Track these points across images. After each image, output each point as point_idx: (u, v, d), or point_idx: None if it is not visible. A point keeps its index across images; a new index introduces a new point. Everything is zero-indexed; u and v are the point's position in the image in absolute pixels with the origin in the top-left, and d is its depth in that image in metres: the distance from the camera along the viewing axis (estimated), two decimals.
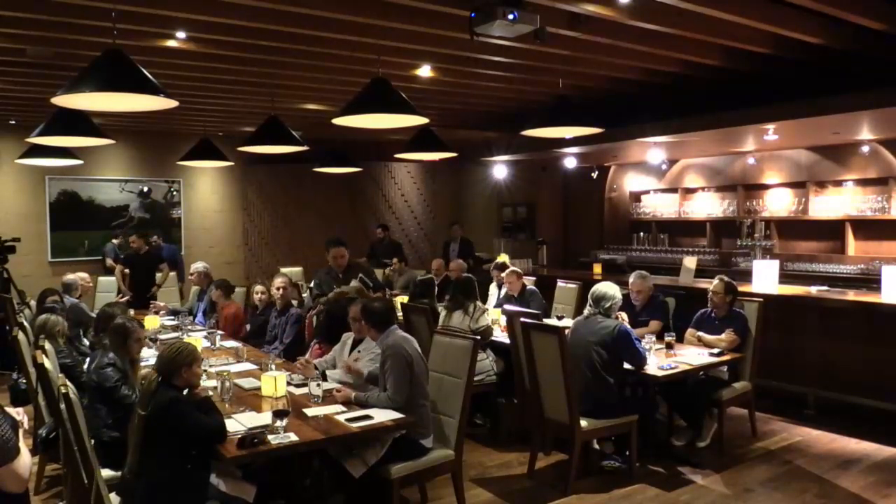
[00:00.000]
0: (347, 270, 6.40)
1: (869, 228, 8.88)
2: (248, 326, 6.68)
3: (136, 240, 8.93)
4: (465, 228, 13.48)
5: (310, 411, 3.83)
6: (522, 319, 5.13)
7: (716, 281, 5.57)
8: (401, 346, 4.05)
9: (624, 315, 5.27)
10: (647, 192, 11.79)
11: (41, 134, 5.81)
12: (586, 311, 4.91)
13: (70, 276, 7.01)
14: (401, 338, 4.14)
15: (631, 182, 12.01)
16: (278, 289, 6.25)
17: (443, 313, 6.04)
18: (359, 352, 4.59)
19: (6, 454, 2.13)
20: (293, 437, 3.41)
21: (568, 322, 5.98)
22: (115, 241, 10.17)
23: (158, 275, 9.06)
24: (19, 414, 2.62)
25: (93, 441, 3.40)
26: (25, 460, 2.25)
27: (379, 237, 10.84)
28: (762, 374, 5.72)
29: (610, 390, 4.68)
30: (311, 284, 6.99)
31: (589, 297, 4.91)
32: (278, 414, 3.44)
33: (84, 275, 7.37)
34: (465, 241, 10.55)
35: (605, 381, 4.66)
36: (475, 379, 4.30)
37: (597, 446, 5.02)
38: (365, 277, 6.17)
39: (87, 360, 4.76)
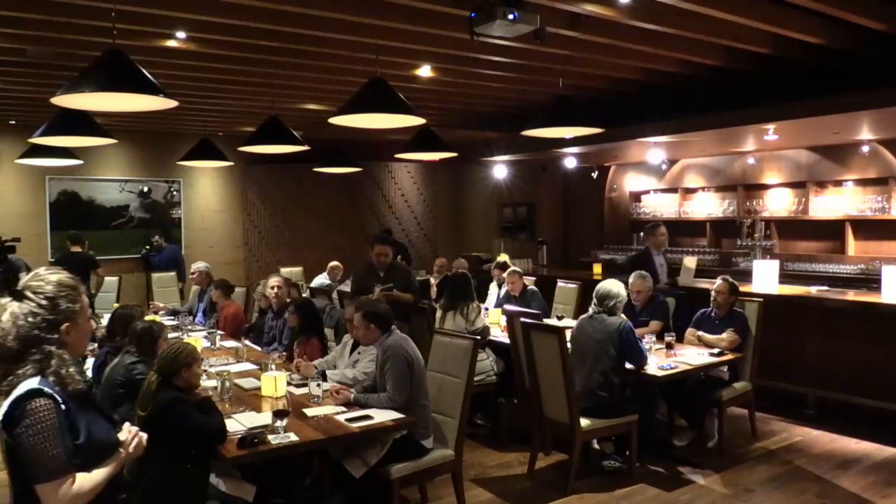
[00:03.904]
0: (389, 270, 6.00)
1: (869, 228, 8.87)
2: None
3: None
4: (465, 228, 13.54)
5: (310, 411, 3.83)
6: (522, 319, 5.13)
7: (719, 281, 5.57)
8: (401, 346, 4.05)
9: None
10: (647, 192, 11.78)
11: (43, 134, 5.80)
12: (591, 310, 4.90)
13: None
14: (400, 338, 4.14)
15: (631, 182, 12.01)
16: (272, 288, 6.21)
17: (438, 314, 6.03)
18: (359, 353, 4.59)
19: (47, 474, 1.99)
20: (293, 437, 3.40)
21: (568, 322, 5.99)
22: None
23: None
24: (130, 432, 2.20)
25: None
26: (70, 489, 1.94)
27: None
28: (762, 374, 5.72)
29: (612, 390, 4.68)
30: (349, 282, 6.70)
31: (594, 295, 4.90)
32: (278, 414, 3.44)
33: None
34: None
35: (611, 380, 4.67)
36: (475, 379, 4.30)
37: (597, 446, 5.02)
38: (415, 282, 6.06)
39: (93, 360, 4.75)
